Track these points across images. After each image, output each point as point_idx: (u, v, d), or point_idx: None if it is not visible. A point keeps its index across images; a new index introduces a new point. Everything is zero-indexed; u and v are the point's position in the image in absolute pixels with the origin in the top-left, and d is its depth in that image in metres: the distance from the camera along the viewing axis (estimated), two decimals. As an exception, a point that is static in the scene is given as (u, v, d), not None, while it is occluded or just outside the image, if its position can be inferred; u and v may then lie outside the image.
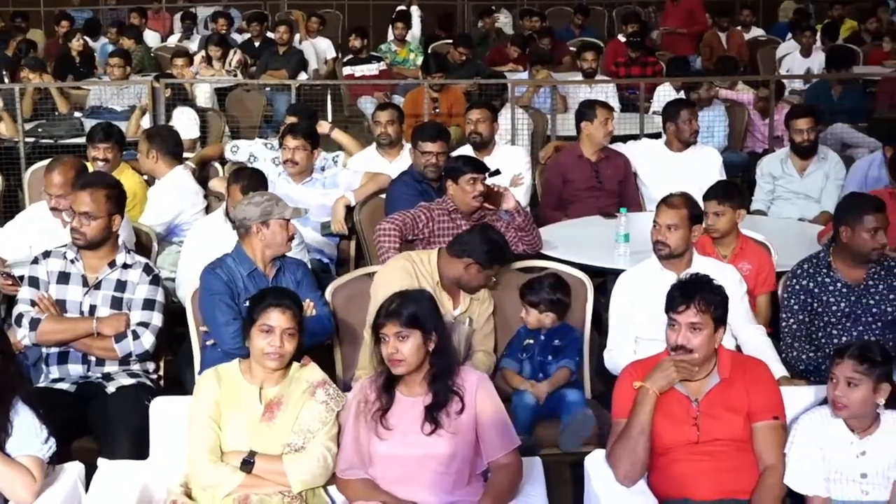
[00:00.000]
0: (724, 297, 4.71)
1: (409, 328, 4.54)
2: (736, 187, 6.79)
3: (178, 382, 6.06)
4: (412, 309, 4.59)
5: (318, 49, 15.47)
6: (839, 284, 5.75)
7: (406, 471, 4.55)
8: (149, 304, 5.69)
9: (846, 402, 4.49)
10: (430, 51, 14.47)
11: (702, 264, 5.81)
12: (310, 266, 6.37)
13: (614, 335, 5.79)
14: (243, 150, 8.47)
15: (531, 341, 5.77)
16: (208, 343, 5.74)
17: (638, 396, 4.62)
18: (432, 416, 4.56)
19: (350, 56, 14.17)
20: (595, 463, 4.76)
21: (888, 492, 4.50)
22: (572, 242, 7.10)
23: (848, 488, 4.55)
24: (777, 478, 4.58)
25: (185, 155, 8.45)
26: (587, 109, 8.36)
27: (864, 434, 4.56)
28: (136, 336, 5.61)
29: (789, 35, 15.73)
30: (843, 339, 5.66)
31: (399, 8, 16.40)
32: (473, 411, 4.61)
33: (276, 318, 4.66)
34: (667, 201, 5.85)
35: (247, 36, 15.82)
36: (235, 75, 13.52)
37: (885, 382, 4.50)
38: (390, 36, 15.39)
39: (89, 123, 9.50)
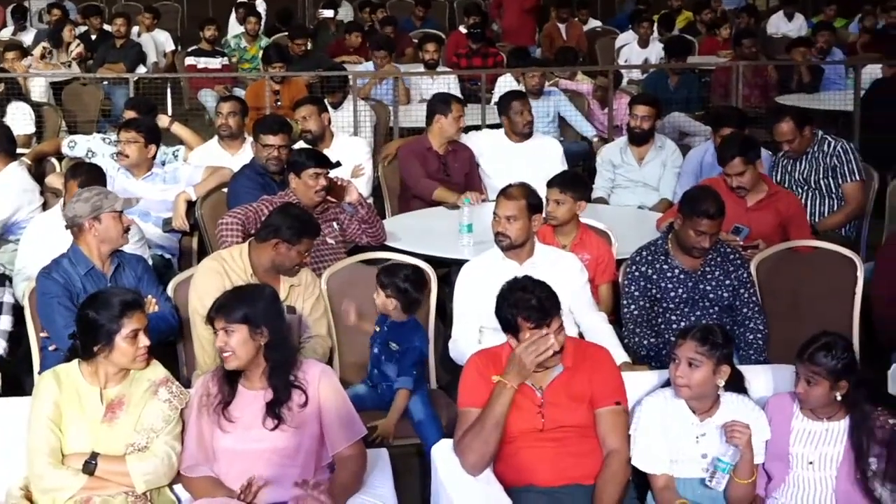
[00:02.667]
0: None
1: (235, 323, 4.51)
2: (581, 178, 6.88)
3: (17, 384, 5.93)
4: (239, 304, 4.56)
5: (157, 41, 15.28)
6: (677, 271, 5.86)
7: (250, 466, 4.51)
8: None
9: (687, 383, 4.58)
10: (271, 42, 14.35)
11: (543, 253, 5.88)
12: (151, 262, 6.30)
13: (459, 325, 5.81)
14: (81, 146, 8.33)
15: (377, 329, 5.76)
16: (50, 349, 5.61)
17: (495, 391, 4.62)
18: (273, 411, 4.54)
19: (195, 47, 14.02)
20: (441, 453, 4.78)
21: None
22: (416, 233, 7.12)
23: (689, 468, 4.64)
24: (620, 462, 4.64)
25: (21, 151, 8.28)
26: (442, 103, 8.36)
27: (704, 416, 4.65)
28: None
29: (628, 26, 16.00)
30: (682, 324, 5.76)
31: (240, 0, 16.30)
32: (317, 403, 4.60)
33: (138, 320, 4.57)
34: (505, 192, 5.88)
35: (83, 29, 15.53)
36: (69, 66, 13.26)
37: (725, 364, 4.59)
38: (234, 28, 15.22)
39: (-83, 120, 9.26)
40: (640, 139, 8.45)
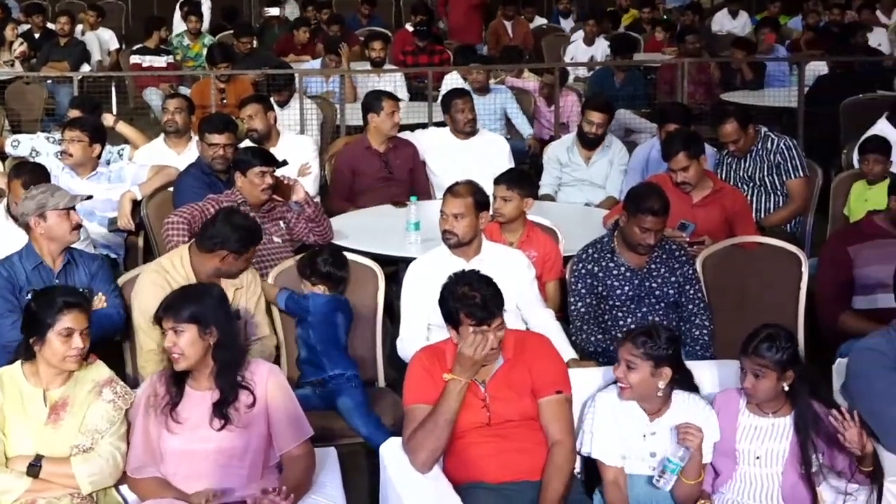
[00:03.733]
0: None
1: (184, 323, 4.49)
2: (527, 176, 6.90)
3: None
4: (188, 304, 4.54)
5: (101, 40, 15.16)
6: (623, 269, 5.87)
7: (198, 466, 4.49)
8: None
9: (626, 384, 4.60)
10: (215, 40, 14.28)
11: (491, 250, 5.89)
12: (97, 261, 6.25)
13: (406, 323, 5.80)
14: (25, 145, 8.27)
15: None
16: None
17: (448, 387, 4.60)
18: (220, 411, 4.52)
19: (140, 45, 13.94)
20: (391, 451, 4.76)
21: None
22: (364, 231, 7.11)
23: (639, 465, 4.66)
24: (565, 454, 4.63)
25: (-38, 151, 8.22)
26: (374, 101, 8.33)
27: (654, 416, 4.66)
28: None
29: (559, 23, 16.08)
30: (629, 321, 5.79)
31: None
32: (265, 403, 4.59)
33: (75, 320, 4.52)
34: (452, 190, 5.88)
35: (25, 27, 15.39)
36: (12, 65, 13.14)
37: (665, 366, 4.60)
38: (178, 26, 15.13)
39: None
40: (592, 143, 8.47)
